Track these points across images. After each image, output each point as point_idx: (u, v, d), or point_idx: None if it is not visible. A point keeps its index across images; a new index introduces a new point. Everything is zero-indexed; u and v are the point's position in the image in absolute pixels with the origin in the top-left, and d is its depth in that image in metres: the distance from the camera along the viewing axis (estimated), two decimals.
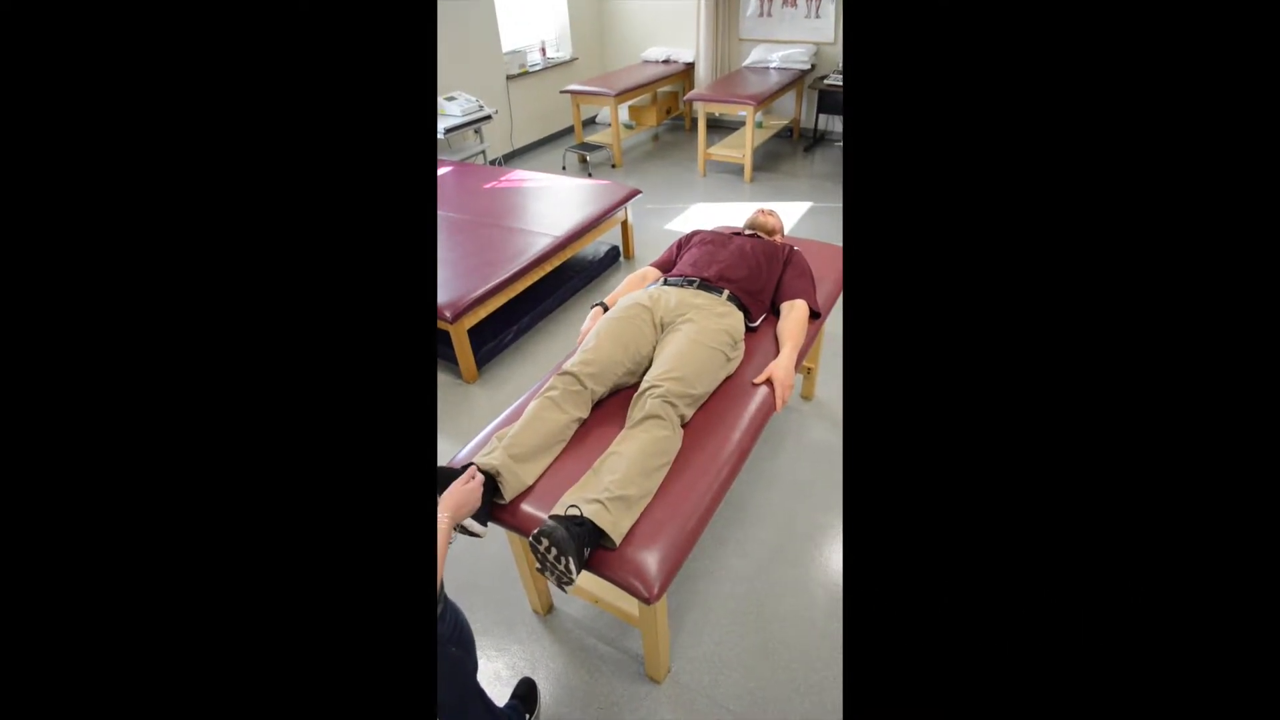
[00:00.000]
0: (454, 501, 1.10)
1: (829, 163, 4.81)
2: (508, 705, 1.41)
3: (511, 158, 5.20)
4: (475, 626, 1.65)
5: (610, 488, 1.20)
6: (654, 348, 1.58)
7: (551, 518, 1.21)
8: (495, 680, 1.55)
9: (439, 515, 1.06)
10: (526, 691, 1.48)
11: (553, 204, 3.17)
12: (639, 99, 5.47)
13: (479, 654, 1.26)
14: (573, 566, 1.09)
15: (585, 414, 1.45)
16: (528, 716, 1.43)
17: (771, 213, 2.13)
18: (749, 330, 1.74)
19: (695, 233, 1.99)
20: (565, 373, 1.46)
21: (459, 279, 2.52)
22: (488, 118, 4.23)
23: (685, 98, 4.77)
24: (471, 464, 1.28)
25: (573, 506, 1.18)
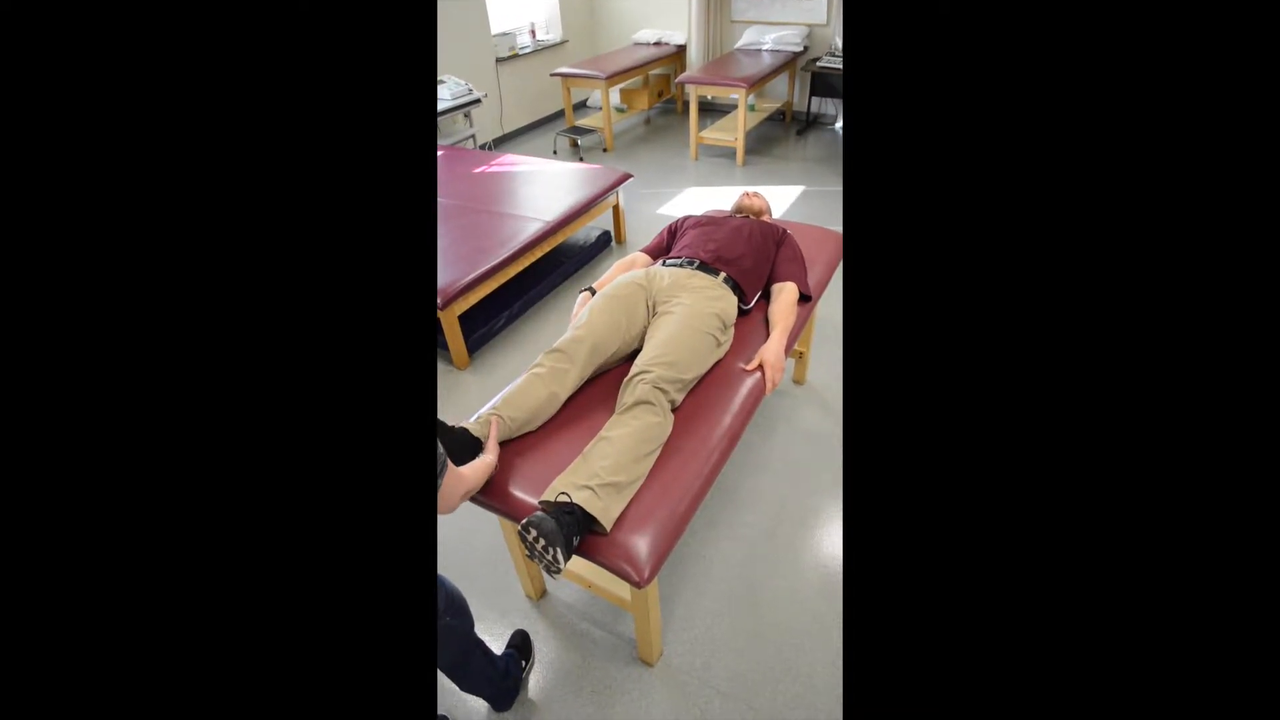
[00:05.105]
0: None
1: (822, 146, 4.79)
2: (504, 654, 1.46)
3: (502, 142, 5.15)
4: None
5: (600, 474, 1.20)
6: (645, 328, 1.58)
7: (541, 504, 1.21)
8: None
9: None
10: (521, 641, 1.55)
11: (543, 188, 3.14)
12: (630, 82, 5.42)
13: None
14: (560, 557, 1.09)
15: (570, 392, 1.45)
16: (524, 663, 1.51)
17: (757, 194, 2.12)
18: (742, 313, 1.73)
19: (687, 217, 1.98)
20: (554, 350, 1.46)
21: (449, 265, 2.50)
22: (477, 101, 4.18)
23: (677, 80, 4.73)
24: (464, 427, 1.31)
25: (563, 494, 1.18)
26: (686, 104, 5.33)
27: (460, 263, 2.51)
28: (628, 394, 1.37)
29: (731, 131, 4.54)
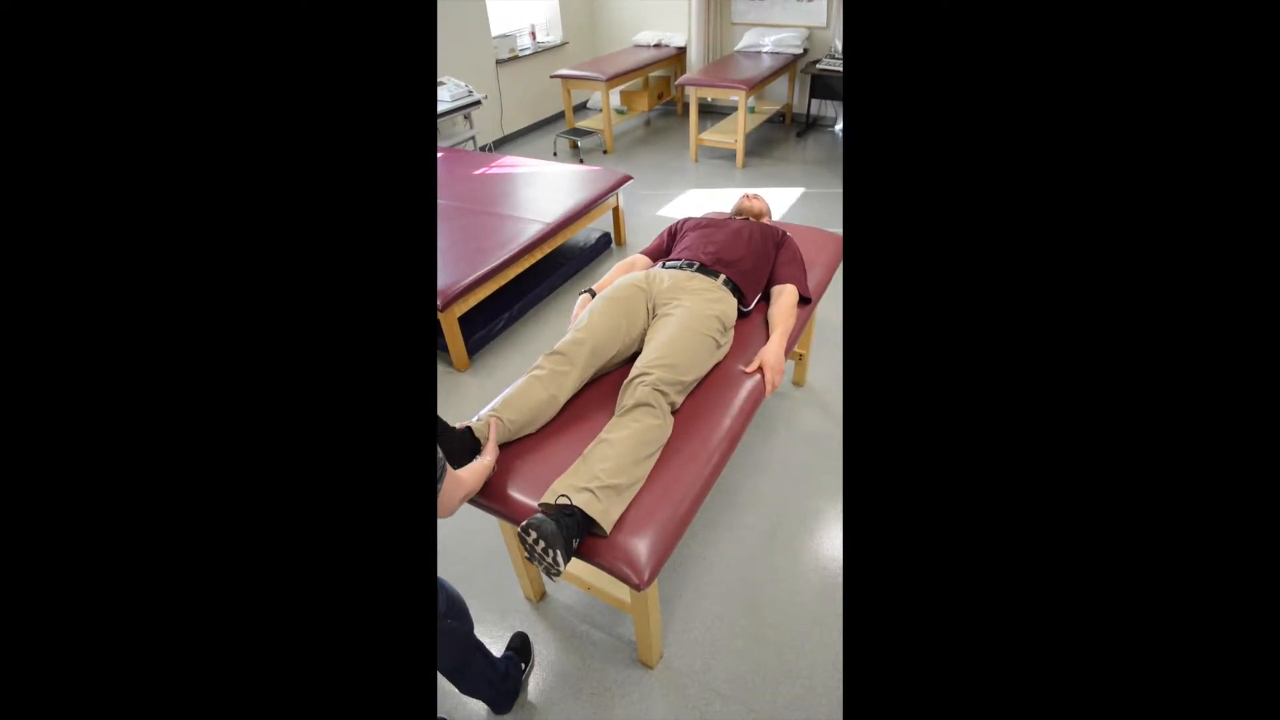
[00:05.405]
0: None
1: (822, 148, 4.79)
2: (504, 656, 1.46)
3: (502, 143, 5.15)
4: None
5: (600, 476, 1.20)
6: (645, 330, 1.58)
7: (541, 506, 1.21)
8: None
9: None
10: (521, 644, 1.55)
11: (544, 190, 3.14)
12: (630, 84, 5.43)
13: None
14: (560, 559, 1.09)
15: (569, 394, 1.45)
16: (524, 666, 1.51)
17: (757, 196, 2.12)
18: (742, 315, 1.73)
19: (687, 219, 1.98)
20: (554, 352, 1.46)
21: (449, 266, 2.50)
22: (477, 103, 4.18)
23: (677, 82, 4.73)
24: (468, 426, 1.31)
25: (562, 496, 1.18)
26: (686, 106, 5.33)
27: (460, 264, 2.51)
28: (627, 396, 1.37)
29: (731, 133, 4.54)
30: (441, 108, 3.96)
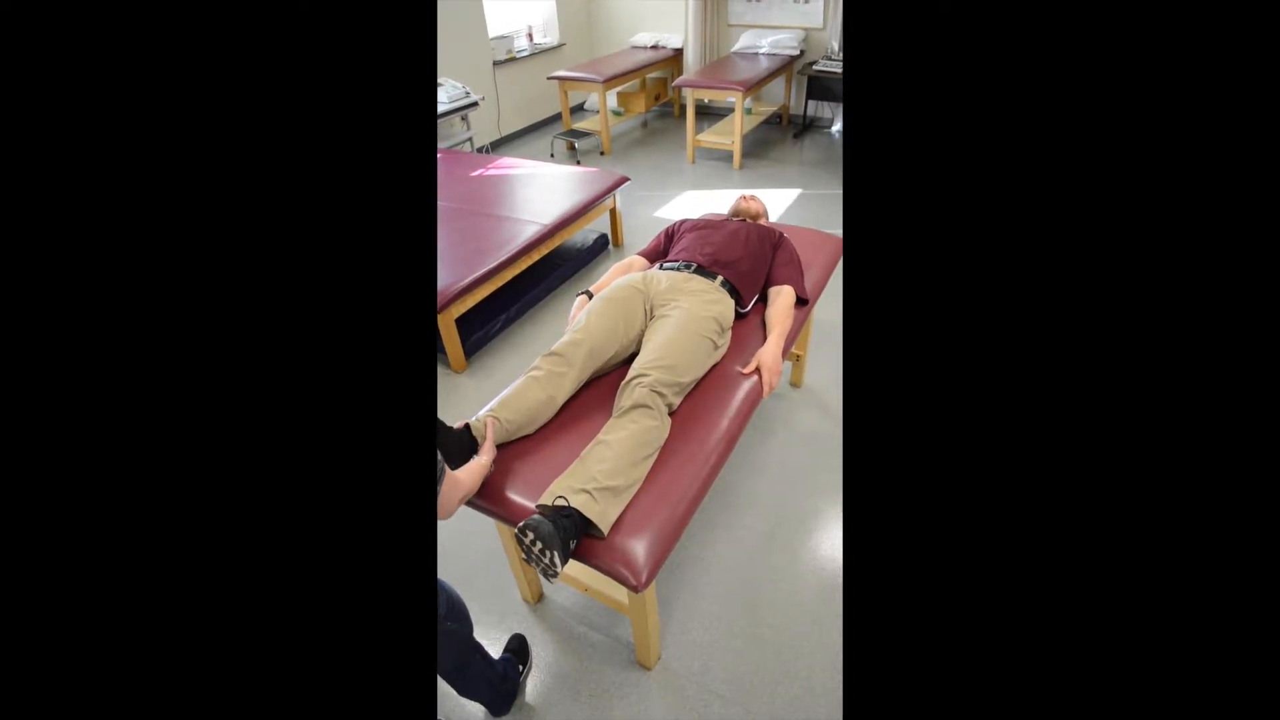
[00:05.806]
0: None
1: (818, 149, 4.80)
2: (501, 658, 1.47)
3: (499, 145, 5.15)
4: None
5: (598, 477, 1.20)
6: (643, 331, 1.58)
7: (539, 507, 1.21)
8: None
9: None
10: (519, 645, 1.56)
11: (541, 191, 3.14)
12: (627, 85, 5.43)
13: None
14: (557, 560, 1.09)
15: (567, 395, 1.45)
16: (521, 667, 1.52)
17: (754, 198, 2.12)
18: (739, 316, 1.74)
19: (684, 221, 1.98)
20: (552, 353, 1.46)
21: (446, 268, 2.50)
22: (474, 104, 4.18)
23: (674, 84, 4.73)
24: (468, 424, 1.32)
25: (560, 497, 1.18)
26: (683, 107, 5.34)
27: (457, 265, 2.51)
28: (625, 397, 1.37)
29: (728, 135, 4.54)
30: (439, 109, 3.96)
